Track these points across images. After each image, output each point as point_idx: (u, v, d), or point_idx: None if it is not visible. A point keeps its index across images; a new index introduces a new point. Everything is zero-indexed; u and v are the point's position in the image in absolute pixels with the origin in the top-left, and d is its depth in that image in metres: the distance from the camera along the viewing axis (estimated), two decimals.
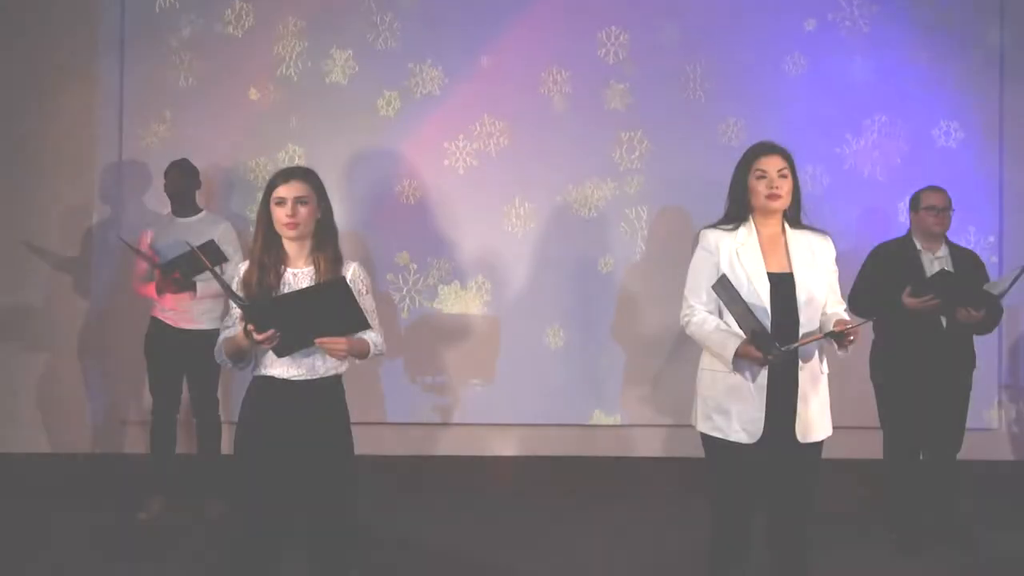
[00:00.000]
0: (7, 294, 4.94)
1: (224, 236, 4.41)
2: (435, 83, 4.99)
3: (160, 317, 4.41)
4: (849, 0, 5.04)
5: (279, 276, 2.66)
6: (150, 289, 4.38)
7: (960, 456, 4.07)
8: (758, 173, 2.81)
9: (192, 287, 4.28)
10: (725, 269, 2.77)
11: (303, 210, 2.64)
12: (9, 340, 4.94)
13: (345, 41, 4.98)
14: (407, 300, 4.97)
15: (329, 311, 2.50)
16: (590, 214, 4.98)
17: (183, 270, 4.20)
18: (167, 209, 4.62)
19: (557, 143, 4.99)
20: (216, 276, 2.73)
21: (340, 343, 2.56)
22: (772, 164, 2.80)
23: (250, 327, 2.48)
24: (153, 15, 4.95)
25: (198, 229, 4.39)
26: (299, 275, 2.67)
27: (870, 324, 3.26)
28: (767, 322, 2.68)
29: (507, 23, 4.99)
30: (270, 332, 2.47)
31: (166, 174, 4.53)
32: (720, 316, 2.82)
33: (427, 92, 4.98)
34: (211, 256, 3.93)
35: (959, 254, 4.04)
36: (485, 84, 5.00)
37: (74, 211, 4.95)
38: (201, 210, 4.59)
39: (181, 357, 4.40)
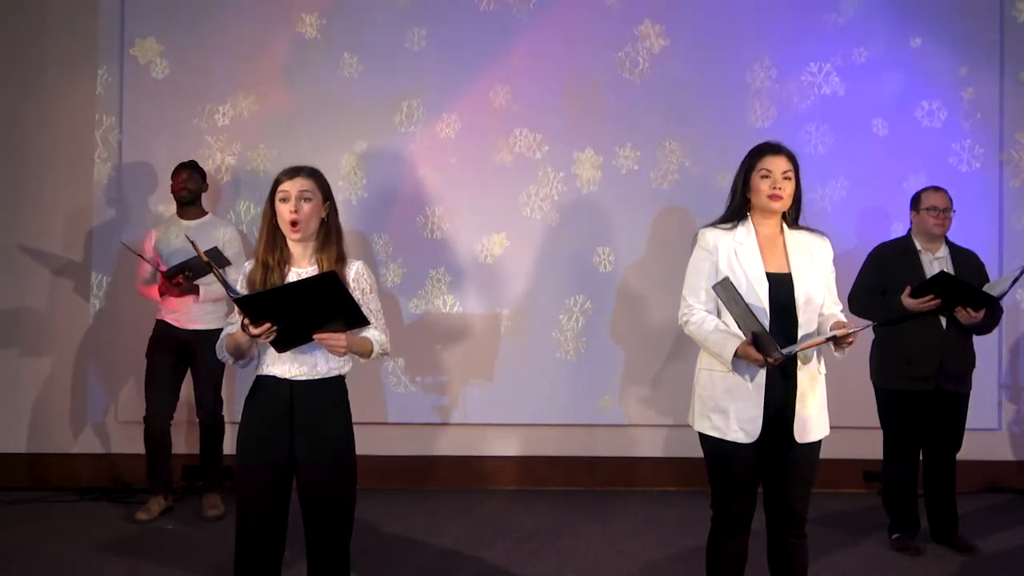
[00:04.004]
0: (7, 296, 4.93)
1: (229, 239, 4.41)
2: (443, 86, 4.97)
3: (167, 320, 4.41)
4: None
5: (283, 276, 2.66)
6: (153, 291, 4.38)
7: (960, 456, 4.08)
8: (763, 172, 2.80)
9: (196, 290, 4.29)
10: (724, 269, 2.77)
11: (307, 207, 2.64)
12: (9, 341, 4.94)
13: (356, 42, 4.96)
14: (408, 300, 4.96)
15: (324, 306, 2.49)
16: (591, 214, 4.98)
17: (187, 274, 4.21)
18: (171, 211, 4.62)
19: (558, 143, 4.98)
20: (213, 269, 2.72)
21: (339, 339, 2.55)
22: (777, 165, 2.80)
23: (245, 320, 2.48)
24: (154, 15, 4.93)
25: (203, 232, 4.39)
26: (303, 275, 2.66)
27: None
28: (765, 322, 2.67)
29: (525, 28, 5.00)
30: (265, 326, 2.47)
31: (173, 175, 4.52)
32: (718, 315, 2.82)
33: (435, 92, 4.97)
34: (214, 261, 3.92)
35: (959, 254, 4.05)
36: (487, 85, 4.99)
37: (74, 213, 4.94)
38: (206, 212, 4.59)
39: (186, 358, 4.40)
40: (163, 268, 4.31)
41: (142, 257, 4.42)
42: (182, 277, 4.22)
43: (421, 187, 4.97)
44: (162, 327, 4.44)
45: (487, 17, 4.98)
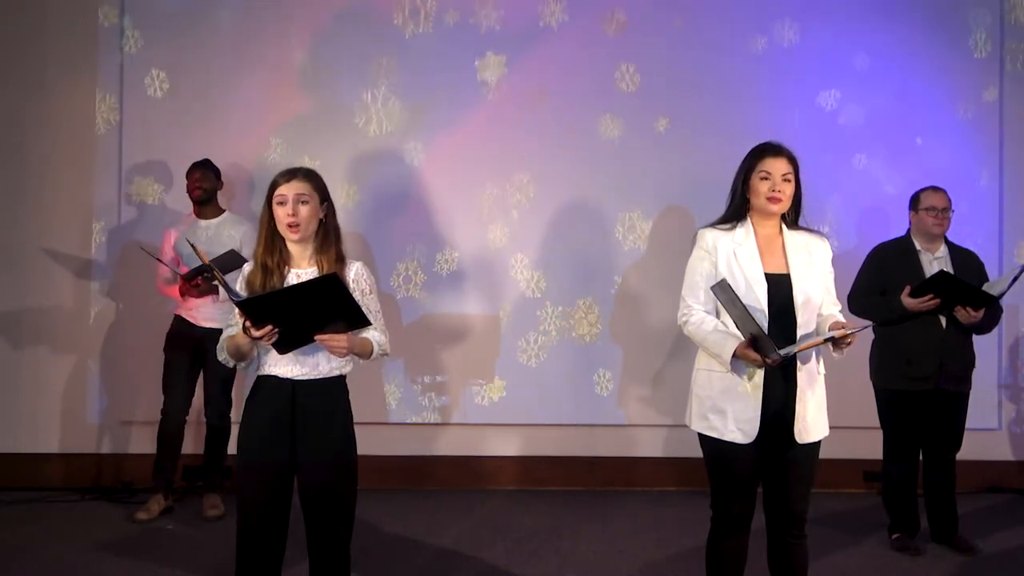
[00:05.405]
0: (7, 296, 4.93)
1: (247, 237, 4.40)
2: (436, 88, 4.97)
3: (185, 316, 4.42)
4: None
5: (283, 278, 2.66)
6: (173, 290, 4.40)
7: (960, 456, 4.08)
8: (762, 174, 2.80)
9: (215, 290, 4.29)
10: (723, 269, 2.77)
11: (304, 209, 2.64)
12: (9, 341, 4.94)
13: (359, 43, 4.96)
14: (408, 300, 4.97)
15: (326, 307, 2.49)
16: (591, 214, 4.98)
17: (205, 275, 4.21)
18: (188, 210, 4.61)
19: (559, 144, 4.98)
20: (216, 274, 2.73)
21: (341, 340, 2.55)
22: (777, 167, 2.79)
23: (247, 323, 2.48)
24: (155, 13, 4.92)
25: (220, 231, 4.39)
26: (302, 276, 2.66)
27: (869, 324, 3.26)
28: (764, 323, 2.67)
29: (520, 41, 5.00)
30: (267, 328, 2.47)
31: (187, 175, 4.51)
32: (718, 316, 2.82)
33: (430, 99, 4.98)
34: (231, 263, 3.91)
35: (959, 254, 4.05)
36: (487, 88, 5.00)
37: (74, 213, 4.94)
38: (223, 211, 4.57)
39: (202, 355, 4.40)
40: (183, 270, 4.31)
41: (160, 260, 4.41)
42: (200, 279, 4.22)
43: (423, 188, 4.96)
44: (179, 323, 4.45)
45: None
